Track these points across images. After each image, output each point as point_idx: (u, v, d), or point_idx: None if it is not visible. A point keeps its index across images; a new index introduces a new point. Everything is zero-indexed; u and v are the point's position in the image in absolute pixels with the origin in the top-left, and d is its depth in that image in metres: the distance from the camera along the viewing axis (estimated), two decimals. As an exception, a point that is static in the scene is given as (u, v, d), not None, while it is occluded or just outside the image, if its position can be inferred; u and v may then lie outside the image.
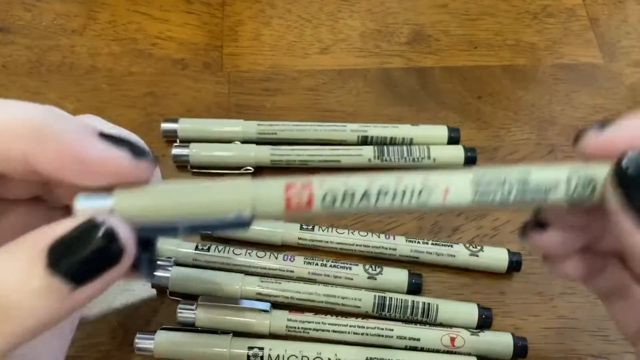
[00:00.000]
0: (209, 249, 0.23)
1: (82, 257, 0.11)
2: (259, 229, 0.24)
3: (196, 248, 0.23)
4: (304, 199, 0.12)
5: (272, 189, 0.12)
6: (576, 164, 0.13)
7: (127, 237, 0.11)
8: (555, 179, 0.13)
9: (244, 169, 0.26)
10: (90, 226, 0.11)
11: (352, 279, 0.23)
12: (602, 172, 0.12)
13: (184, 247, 0.23)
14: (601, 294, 0.16)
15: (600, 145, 0.13)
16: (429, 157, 0.26)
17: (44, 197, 0.14)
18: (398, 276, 0.23)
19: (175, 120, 0.27)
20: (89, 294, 0.11)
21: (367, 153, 0.26)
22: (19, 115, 0.11)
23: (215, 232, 0.11)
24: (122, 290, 0.23)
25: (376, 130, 0.27)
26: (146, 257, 0.12)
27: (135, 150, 0.12)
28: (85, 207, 0.11)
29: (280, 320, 0.22)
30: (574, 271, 0.15)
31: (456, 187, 0.13)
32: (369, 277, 0.23)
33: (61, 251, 0.10)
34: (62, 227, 0.11)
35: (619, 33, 0.32)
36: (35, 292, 0.10)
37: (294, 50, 0.30)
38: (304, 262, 0.23)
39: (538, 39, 0.31)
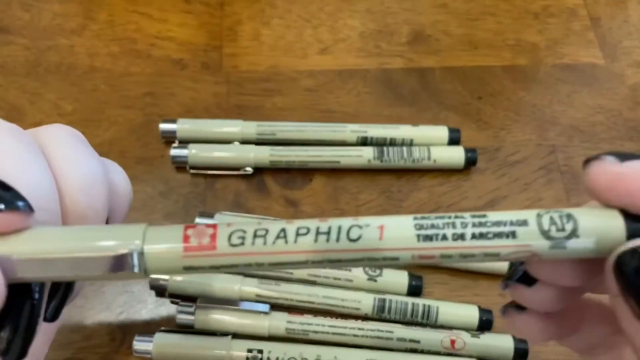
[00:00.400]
0: None
1: None
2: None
3: None
4: (206, 237, 0.11)
5: (168, 229, 0.11)
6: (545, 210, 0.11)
7: None
8: (522, 216, 0.11)
9: (243, 169, 0.26)
10: None
11: (352, 281, 0.23)
12: (581, 212, 0.11)
13: None
14: (578, 350, 0.14)
15: (615, 181, 0.11)
16: (429, 158, 0.26)
17: None
18: (398, 278, 0.23)
19: (174, 121, 0.26)
20: None
21: (367, 154, 0.26)
22: None
23: (107, 280, 0.10)
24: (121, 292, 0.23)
25: (376, 130, 0.27)
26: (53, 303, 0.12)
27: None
28: None
29: (280, 322, 0.22)
30: (543, 333, 0.13)
31: (394, 224, 0.11)
32: (368, 279, 0.23)
33: None
34: None
35: (621, 33, 0.32)
36: None
37: (294, 51, 0.30)
38: None
39: (539, 39, 0.31)
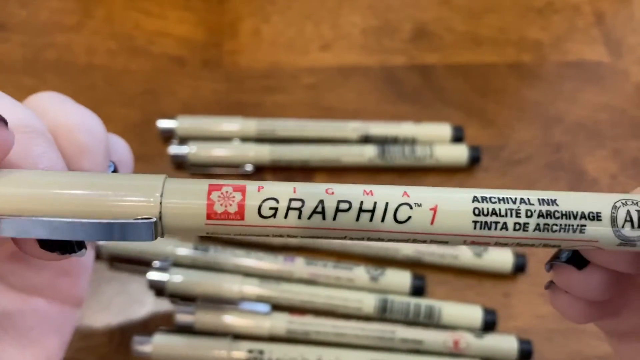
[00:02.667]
0: (207, 250, 0.23)
1: None
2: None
3: (195, 249, 0.23)
4: (233, 205, 0.09)
5: (189, 190, 0.09)
6: (623, 194, 0.10)
7: None
8: (596, 206, 0.10)
9: (243, 168, 0.26)
10: None
11: (353, 281, 0.23)
12: None
13: (182, 248, 0.23)
14: (609, 332, 0.13)
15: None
16: (431, 157, 0.26)
17: None
18: (401, 278, 0.23)
19: (173, 118, 0.26)
20: None
21: (369, 152, 0.26)
22: None
23: (112, 240, 0.09)
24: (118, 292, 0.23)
25: (378, 128, 0.26)
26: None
27: None
28: None
29: (281, 322, 0.22)
30: (586, 316, 0.12)
31: (449, 206, 0.10)
32: (371, 279, 0.23)
33: None
34: None
35: (625, 30, 0.31)
36: None
37: (294, 47, 0.30)
38: (305, 263, 0.23)
39: (543, 35, 0.31)
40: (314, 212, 0.10)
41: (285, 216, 0.10)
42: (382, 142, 0.26)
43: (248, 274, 0.23)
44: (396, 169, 0.26)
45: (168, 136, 0.26)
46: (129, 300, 0.23)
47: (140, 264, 0.23)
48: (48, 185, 0.09)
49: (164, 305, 0.23)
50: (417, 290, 0.23)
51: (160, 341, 0.21)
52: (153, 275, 0.22)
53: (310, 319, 0.22)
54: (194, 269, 0.23)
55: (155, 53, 0.29)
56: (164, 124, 0.26)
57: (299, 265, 0.23)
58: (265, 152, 0.26)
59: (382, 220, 0.10)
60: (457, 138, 0.27)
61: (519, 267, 0.24)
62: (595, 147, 0.28)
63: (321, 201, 0.10)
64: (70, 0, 0.30)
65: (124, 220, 0.09)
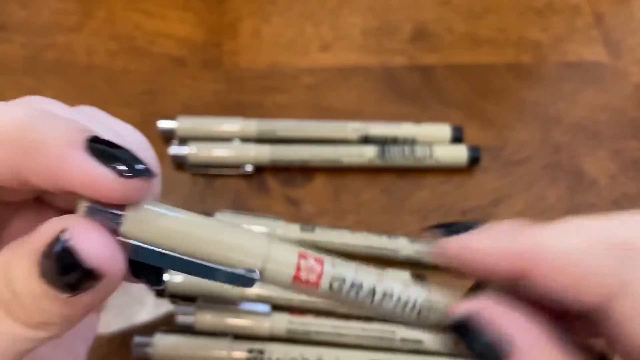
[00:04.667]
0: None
1: (61, 272, 0.10)
2: (259, 230, 0.24)
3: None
4: (313, 275, 0.12)
5: (286, 253, 0.12)
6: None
7: (96, 256, 0.10)
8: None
9: (243, 168, 0.26)
10: (54, 241, 0.10)
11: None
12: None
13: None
14: None
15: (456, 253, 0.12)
16: (431, 157, 0.26)
17: (46, 199, 0.13)
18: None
19: (173, 119, 0.26)
20: (86, 303, 0.11)
21: (369, 152, 0.26)
22: (2, 121, 0.11)
23: (213, 280, 0.11)
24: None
25: (378, 129, 0.26)
26: (152, 270, 0.12)
27: (125, 167, 0.10)
28: (86, 213, 0.11)
29: (281, 322, 0.22)
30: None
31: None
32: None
33: (47, 263, 0.10)
34: (39, 238, 0.10)
35: (625, 30, 0.31)
36: (37, 296, 0.10)
37: (294, 48, 0.30)
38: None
39: (543, 36, 0.31)
40: (367, 294, 0.12)
41: (347, 294, 0.12)
42: (382, 142, 0.26)
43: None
44: (396, 169, 0.26)
45: (168, 136, 0.26)
46: (129, 301, 0.23)
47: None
48: (185, 224, 0.11)
49: (164, 305, 0.23)
50: None
51: (161, 341, 0.21)
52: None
53: (310, 319, 0.22)
54: None
55: (156, 53, 0.29)
56: (164, 124, 0.26)
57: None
58: (265, 153, 0.26)
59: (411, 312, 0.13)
60: (457, 138, 0.27)
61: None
62: (595, 148, 0.28)
63: (373, 290, 0.12)
64: (71, 1, 0.30)
65: (235, 270, 0.11)
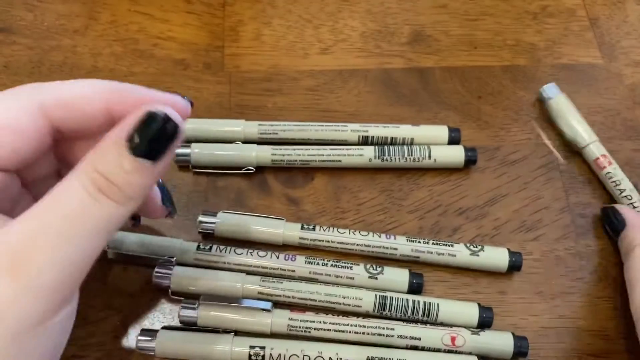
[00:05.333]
0: (210, 249, 0.23)
1: (152, 139, 0.14)
2: (260, 229, 0.24)
3: (198, 248, 0.24)
4: None
5: None
6: None
7: (179, 119, 0.14)
8: None
9: (245, 168, 0.26)
10: (151, 116, 0.14)
11: (353, 279, 0.23)
12: None
13: (186, 247, 0.23)
14: None
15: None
16: (429, 157, 0.26)
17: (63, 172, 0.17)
18: (399, 276, 0.23)
19: (176, 120, 0.27)
20: (162, 168, 0.15)
21: (368, 153, 0.26)
22: (97, 82, 0.16)
23: None
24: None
25: (377, 130, 0.27)
26: (167, 196, 0.18)
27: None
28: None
29: (282, 319, 0.22)
30: None
31: None
32: (370, 277, 0.23)
33: (136, 138, 0.14)
34: (130, 122, 0.14)
35: (619, 33, 0.32)
36: (127, 172, 0.14)
37: (295, 51, 0.30)
38: (305, 261, 0.23)
39: (538, 39, 0.31)
40: None
41: None
42: (381, 143, 0.27)
43: (250, 272, 0.23)
44: (395, 169, 0.27)
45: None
46: (133, 298, 0.23)
47: (144, 263, 0.23)
48: None
49: (167, 303, 0.23)
50: (416, 288, 0.23)
51: (164, 337, 0.21)
52: (157, 273, 0.23)
53: (311, 316, 0.22)
54: (197, 267, 0.23)
55: (159, 56, 0.30)
56: (167, 125, 0.27)
57: (299, 264, 0.23)
58: (266, 153, 0.26)
59: None
60: (454, 139, 0.27)
61: (515, 266, 0.24)
62: (590, 148, 0.28)
63: None
64: (76, 4, 0.31)
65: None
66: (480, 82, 0.30)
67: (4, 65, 0.29)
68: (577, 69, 0.31)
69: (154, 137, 0.14)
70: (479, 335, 0.22)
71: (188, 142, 0.26)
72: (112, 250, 0.23)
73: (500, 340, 0.22)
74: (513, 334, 0.22)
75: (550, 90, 0.28)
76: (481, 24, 0.32)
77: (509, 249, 0.24)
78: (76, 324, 0.23)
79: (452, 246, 0.24)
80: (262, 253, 0.24)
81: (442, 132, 0.27)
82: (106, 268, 0.24)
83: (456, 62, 0.30)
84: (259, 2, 0.32)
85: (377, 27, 0.31)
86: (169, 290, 0.23)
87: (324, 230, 0.24)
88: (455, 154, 0.27)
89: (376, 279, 0.23)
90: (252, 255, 0.23)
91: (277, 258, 0.23)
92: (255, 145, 0.26)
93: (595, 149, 0.27)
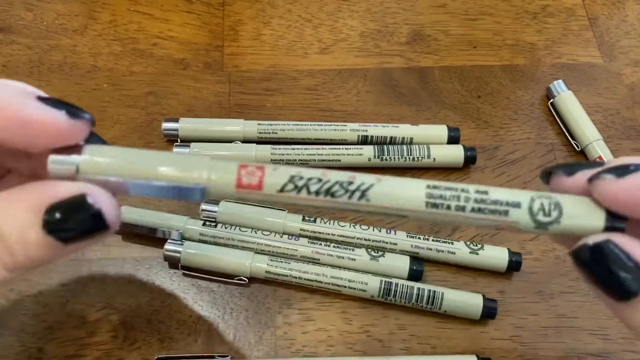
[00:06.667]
0: (216, 225, 0.24)
1: (73, 226, 0.12)
2: (262, 218, 0.24)
3: (204, 224, 0.24)
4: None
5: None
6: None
7: (113, 215, 0.13)
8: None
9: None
10: (81, 202, 0.12)
11: (354, 260, 0.24)
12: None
13: (191, 224, 0.24)
14: None
15: (574, 191, 0.13)
16: (428, 157, 0.26)
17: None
18: (400, 262, 0.24)
19: (176, 120, 0.27)
20: (77, 248, 0.13)
21: (368, 152, 0.26)
22: None
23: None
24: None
25: (376, 129, 0.27)
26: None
27: (71, 111, 0.13)
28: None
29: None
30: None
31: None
32: (371, 259, 0.24)
33: (55, 217, 0.12)
34: (56, 192, 0.12)
35: (619, 33, 0.32)
36: (30, 243, 0.12)
37: (294, 50, 0.30)
38: (308, 241, 0.24)
39: (537, 38, 0.31)
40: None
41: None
42: (381, 142, 0.27)
43: (253, 249, 0.24)
44: (394, 168, 0.27)
45: (171, 137, 0.27)
46: (133, 297, 0.23)
47: (151, 238, 0.24)
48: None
49: (167, 301, 0.23)
50: (416, 275, 0.24)
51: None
52: (168, 247, 0.23)
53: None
54: (201, 243, 0.24)
55: (159, 55, 0.30)
56: (167, 125, 0.27)
57: (302, 243, 0.24)
58: (266, 153, 0.26)
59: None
60: (454, 139, 0.27)
61: (515, 265, 0.24)
62: (589, 148, 0.28)
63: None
64: (75, 4, 0.31)
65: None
66: (480, 82, 0.30)
67: (3, 65, 0.29)
68: (577, 69, 0.31)
69: (76, 226, 0.12)
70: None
71: (187, 141, 0.26)
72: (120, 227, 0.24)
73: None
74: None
75: (560, 87, 0.29)
76: (481, 24, 0.32)
77: (509, 249, 0.24)
78: (75, 324, 0.23)
79: (452, 243, 0.24)
80: (266, 232, 0.24)
81: (441, 131, 0.27)
82: (106, 266, 0.24)
83: (455, 62, 0.30)
84: (259, 1, 0.32)
85: (377, 27, 0.31)
86: (180, 265, 0.23)
87: (325, 223, 0.24)
88: (455, 154, 0.27)
89: (377, 261, 0.23)
90: (256, 233, 0.24)
91: (281, 237, 0.24)
92: (254, 144, 0.26)
93: (598, 148, 0.27)
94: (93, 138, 0.14)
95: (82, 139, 0.13)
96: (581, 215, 0.13)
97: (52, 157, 0.13)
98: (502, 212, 0.13)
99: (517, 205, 0.13)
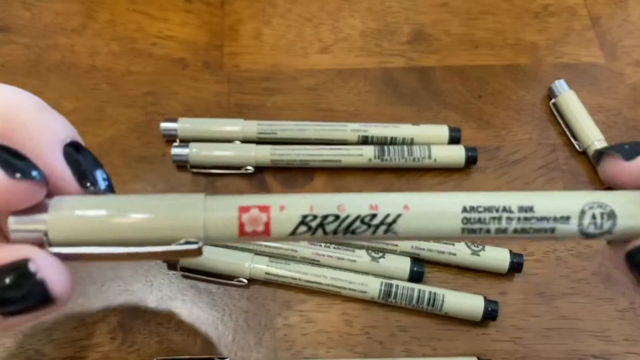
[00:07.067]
0: None
1: (11, 297, 0.10)
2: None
3: None
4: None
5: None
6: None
7: (60, 286, 0.10)
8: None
9: (244, 168, 0.26)
10: (22, 270, 0.10)
11: (355, 261, 0.23)
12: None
13: None
14: None
15: (630, 176, 0.11)
16: (429, 157, 0.26)
17: None
18: (400, 262, 0.24)
19: (175, 120, 0.26)
20: (20, 322, 0.11)
21: (368, 153, 0.26)
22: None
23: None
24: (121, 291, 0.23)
25: (377, 129, 0.27)
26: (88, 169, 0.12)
27: (10, 165, 0.10)
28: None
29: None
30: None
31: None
32: (372, 260, 0.23)
33: None
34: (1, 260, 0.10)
35: (621, 32, 0.32)
36: None
37: (295, 50, 0.30)
38: (308, 243, 0.24)
39: (539, 38, 0.31)
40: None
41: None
42: (381, 143, 0.27)
43: (251, 250, 0.24)
44: (395, 169, 0.27)
45: (170, 137, 0.27)
46: (131, 300, 0.23)
47: None
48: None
49: (165, 303, 0.23)
50: (416, 276, 0.23)
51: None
52: None
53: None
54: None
55: (158, 55, 0.29)
56: (166, 125, 0.26)
57: (302, 244, 0.24)
58: (265, 153, 0.26)
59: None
60: (455, 139, 0.27)
61: (516, 267, 0.24)
62: (591, 148, 0.28)
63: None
64: (74, 3, 0.31)
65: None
66: (481, 82, 0.30)
67: (1, 65, 0.28)
68: (579, 69, 0.30)
69: (16, 298, 0.10)
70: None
71: (186, 141, 0.26)
72: None
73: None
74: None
75: (562, 87, 0.28)
76: (482, 23, 0.32)
77: (510, 250, 0.24)
78: (74, 325, 0.22)
79: (453, 244, 0.24)
80: None
81: (442, 131, 0.27)
82: (104, 269, 0.24)
83: (457, 62, 0.30)
84: (259, 1, 0.32)
85: (378, 26, 0.31)
86: (179, 267, 0.23)
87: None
88: (456, 154, 0.26)
89: (378, 262, 0.23)
90: None
91: None
92: (254, 145, 0.26)
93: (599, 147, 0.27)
94: (86, 154, 0.12)
95: (35, 202, 0.11)
96: (637, 217, 0.11)
97: (13, 218, 0.11)
98: (549, 229, 0.11)
99: (565, 220, 0.11)
